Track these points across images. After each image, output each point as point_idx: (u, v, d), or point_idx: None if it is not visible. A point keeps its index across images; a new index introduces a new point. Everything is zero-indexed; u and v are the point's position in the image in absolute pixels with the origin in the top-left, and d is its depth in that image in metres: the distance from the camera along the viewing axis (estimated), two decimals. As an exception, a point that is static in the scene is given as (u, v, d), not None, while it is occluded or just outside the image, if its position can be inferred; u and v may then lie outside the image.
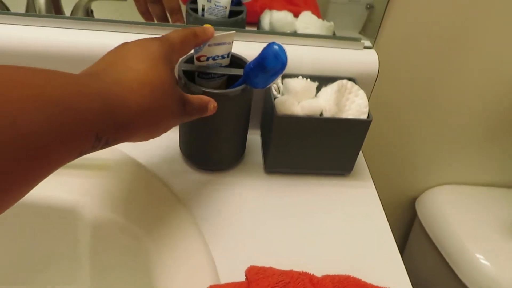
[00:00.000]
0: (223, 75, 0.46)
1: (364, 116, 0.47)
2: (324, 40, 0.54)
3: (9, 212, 0.24)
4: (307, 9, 0.57)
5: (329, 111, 0.46)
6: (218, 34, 0.41)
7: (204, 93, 0.41)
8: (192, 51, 0.41)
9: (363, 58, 0.54)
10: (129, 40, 0.34)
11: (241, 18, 0.54)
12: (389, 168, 0.79)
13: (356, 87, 0.49)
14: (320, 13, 0.57)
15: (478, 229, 0.75)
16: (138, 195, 0.44)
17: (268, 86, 0.43)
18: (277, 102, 0.45)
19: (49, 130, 0.22)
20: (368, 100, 0.48)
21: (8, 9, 0.53)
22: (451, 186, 0.83)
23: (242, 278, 0.38)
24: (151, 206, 0.43)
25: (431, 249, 0.78)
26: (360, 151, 0.52)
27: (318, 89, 0.49)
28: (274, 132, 0.46)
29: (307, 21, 0.55)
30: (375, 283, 0.38)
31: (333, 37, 0.55)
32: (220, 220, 0.44)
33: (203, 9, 0.53)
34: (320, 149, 0.48)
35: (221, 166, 0.50)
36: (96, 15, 0.55)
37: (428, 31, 0.59)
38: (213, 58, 0.43)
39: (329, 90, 0.47)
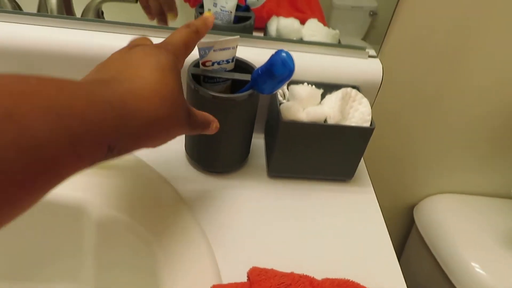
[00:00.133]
0: (228, 79, 0.47)
1: (367, 124, 0.48)
2: (330, 48, 0.55)
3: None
4: (313, 16, 0.57)
5: (333, 118, 0.47)
6: (223, 39, 0.42)
7: (213, 97, 0.42)
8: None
9: (368, 67, 0.55)
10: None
11: (249, 24, 0.55)
12: (389, 174, 0.80)
13: (360, 95, 0.50)
14: (325, 20, 0.58)
15: (474, 238, 0.75)
16: (143, 195, 0.45)
17: (274, 92, 0.44)
18: (282, 107, 0.46)
19: (60, 141, 0.22)
20: (371, 108, 0.49)
21: (20, 9, 0.54)
22: (449, 195, 0.83)
23: (244, 279, 0.39)
24: (156, 206, 0.44)
25: (427, 256, 0.79)
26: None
27: (323, 96, 0.50)
28: (279, 137, 0.47)
29: (314, 29, 0.56)
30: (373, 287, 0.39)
31: (338, 45, 0.56)
32: (223, 222, 0.45)
33: (210, 13, 0.54)
34: (323, 155, 0.49)
35: (225, 169, 0.51)
36: (107, 16, 0.56)
37: (432, 41, 0.60)
38: (218, 63, 0.44)
39: (333, 98, 0.48)
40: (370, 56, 0.56)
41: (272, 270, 0.39)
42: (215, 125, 0.39)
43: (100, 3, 0.56)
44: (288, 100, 0.49)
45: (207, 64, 0.44)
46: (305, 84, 0.50)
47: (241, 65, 0.47)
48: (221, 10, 0.53)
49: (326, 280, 0.39)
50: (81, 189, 0.43)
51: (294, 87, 0.49)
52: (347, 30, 0.59)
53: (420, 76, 0.64)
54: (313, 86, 0.50)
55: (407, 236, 0.90)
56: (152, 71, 0.30)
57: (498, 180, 0.81)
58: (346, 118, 0.49)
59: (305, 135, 0.47)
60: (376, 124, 0.48)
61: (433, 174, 0.80)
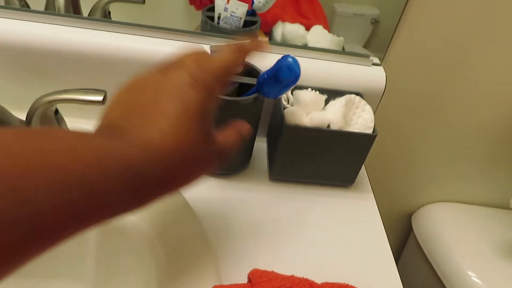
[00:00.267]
0: (235, 82, 0.47)
1: (369, 131, 0.48)
2: (334, 55, 0.55)
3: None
4: (317, 22, 0.58)
5: (336, 124, 0.47)
6: (233, 43, 0.42)
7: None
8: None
9: (371, 74, 0.55)
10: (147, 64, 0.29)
11: (256, 28, 0.56)
12: (389, 181, 0.80)
13: (363, 102, 0.50)
14: (328, 27, 0.59)
15: (472, 247, 0.76)
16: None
17: (279, 97, 0.44)
18: (286, 112, 0.47)
19: (57, 210, 0.20)
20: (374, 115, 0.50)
21: (28, 6, 0.55)
22: (448, 204, 0.84)
23: (244, 280, 0.39)
24: (158, 207, 0.44)
25: (424, 264, 0.79)
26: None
27: (327, 102, 0.50)
28: (282, 141, 0.47)
29: (319, 35, 0.57)
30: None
31: (343, 52, 0.57)
32: (224, 223, 0.46)
33: (219, 17, 0.54)
34: (325, 160, 0.50)
35: (228, 171, 0.51)
36: (114, 17, 0.56)
37: (435, 50, 0.60)
38: None
39: (337, 104, 0.48)
40: (374, 64, 0.57)
41: (272, 272, 0.39)
42: (243, 132, 0.34)
43: (108, 3, 0.56)
44: (292, 105, 0.50)
45: None
46: (309, 89, 0.51)
47: (247, 69, 0.47)
48: (231, 15, 0.54)
49: (326, 284, 0.39)
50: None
51: (298, 92, 0.49)
52: (348, 37, 0.59)
53: (422, 85, 0.65)
54: (317, 92, 0.50)
55: (404, 243, 0.91)
56: (173, 120, 0.26)
57: (497, 190, 0.82)
58: (349, 124, 0.49)
59: (308, 140, 0.47)
60: (377, 131, 0.48)
61: (432, 182, 0.81)
